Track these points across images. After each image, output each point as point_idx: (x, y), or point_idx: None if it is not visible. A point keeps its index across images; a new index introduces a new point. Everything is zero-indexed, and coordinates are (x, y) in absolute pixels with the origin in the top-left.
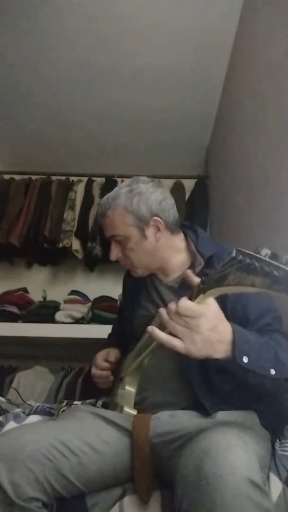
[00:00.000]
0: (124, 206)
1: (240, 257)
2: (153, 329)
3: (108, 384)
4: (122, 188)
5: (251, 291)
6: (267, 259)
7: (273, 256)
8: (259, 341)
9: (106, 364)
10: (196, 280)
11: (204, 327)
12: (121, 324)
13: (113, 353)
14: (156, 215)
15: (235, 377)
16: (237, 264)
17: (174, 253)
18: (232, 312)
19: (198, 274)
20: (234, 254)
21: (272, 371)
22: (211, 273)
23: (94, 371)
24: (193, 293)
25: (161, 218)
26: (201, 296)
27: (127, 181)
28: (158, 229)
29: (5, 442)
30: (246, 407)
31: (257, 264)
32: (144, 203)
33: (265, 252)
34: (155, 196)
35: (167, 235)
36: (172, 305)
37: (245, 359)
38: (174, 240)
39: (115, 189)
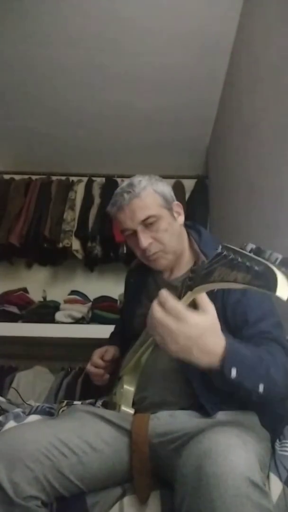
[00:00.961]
0: (152, 188)
1: (225, 252)
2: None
3: (103, 382)
4: (138, 177)
5: (235, 287)
6: (251, 254)
7: (258, 251)
8: (253, 355)
9: (101, 362)
10: None
11: (182, 337)
12: (123, 324)
13: (110, 351)
14: (174, 201)
15: (220, 387)
16: (223, 259)
17: (186, 246)
18: (232, 315)
19: None
20: (219, 250)
21: (261, 387)
22: (198, 270)
23: (89, 367)
24: (181, 291)
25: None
26: (189, 293)
27: (136, 176)
28: (179, 213)
29: (5, 441)
30: (246, 407)
31: (239, 259)
32: (166, 188)
33: (250, 247)
34: (169, 186)
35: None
36: (162, 297)
37: (233, 372)
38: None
39: (131, 179)
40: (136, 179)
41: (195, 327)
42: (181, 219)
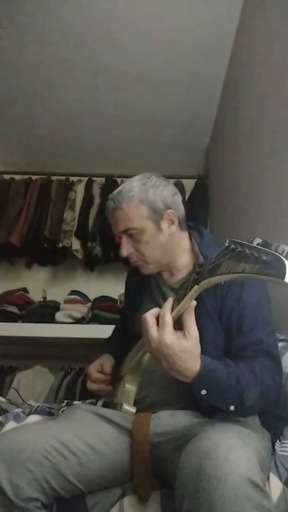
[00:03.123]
0: (139, 198)
1: (232, 246)
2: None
3: (108, 394)
4: (134, 181)
5: (242, 278)
6: (258, 247)
7: (265, 244)
8: (229, 377)
9: (100, 376)
10: None
11: (172, 359)
12: (124, 324)
13: (107, 364)
14: (170, 208)
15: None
16: (230, 253)
17: (181, 251)
18: (227, 320)
19: None
20: (227, 244)
21: (232, 407)
22: (205, 264)
23: (90, 385)
24: (187, 288)
25: (174, 211)
26: (196, 287)
27: (137, 176)
28: (172, 222)
29: (4, 443)
30: None
31: (247, 251)
32: (159, 195)
33: (257, 241)
34: (168, 189)
35: (177, 230)
36: (162, 311)
37: (203, 392)
38: (182, 237)
39: (127, 183)
40: (128, 185)
41: (178, 349)
42: (173, 228)
